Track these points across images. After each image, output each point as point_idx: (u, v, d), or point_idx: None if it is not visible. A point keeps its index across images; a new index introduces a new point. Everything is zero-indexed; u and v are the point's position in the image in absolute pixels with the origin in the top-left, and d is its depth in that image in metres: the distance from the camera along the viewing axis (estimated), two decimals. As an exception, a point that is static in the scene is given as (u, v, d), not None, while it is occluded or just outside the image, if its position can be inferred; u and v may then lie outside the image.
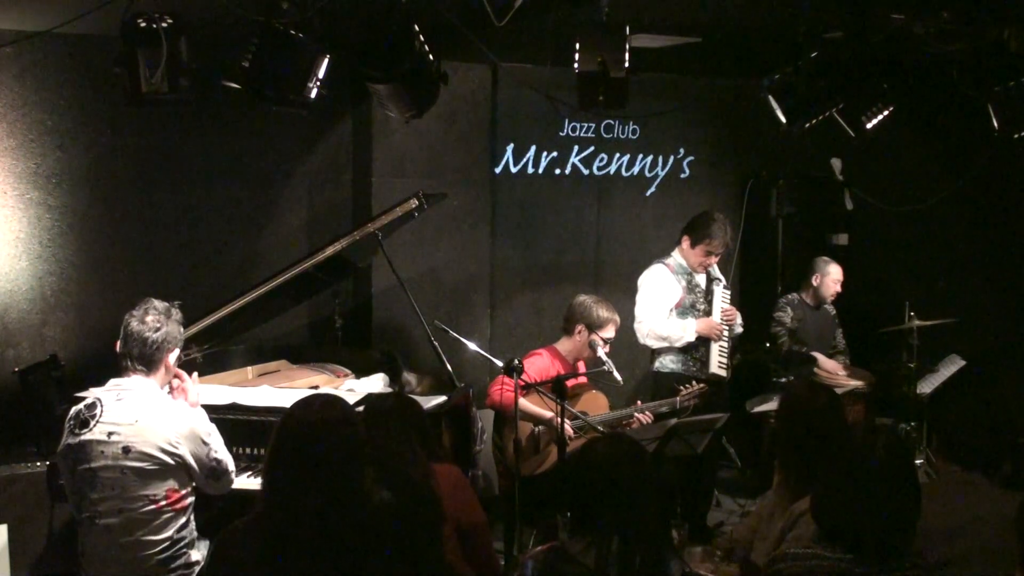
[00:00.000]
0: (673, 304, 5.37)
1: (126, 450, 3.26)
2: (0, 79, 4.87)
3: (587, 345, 4.99)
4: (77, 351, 5.10)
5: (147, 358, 3.38)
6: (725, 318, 5.38)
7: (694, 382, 5.16)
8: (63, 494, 3.47)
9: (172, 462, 3.29)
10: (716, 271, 5.52)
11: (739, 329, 5.59)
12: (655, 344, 5.41)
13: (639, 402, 5.05)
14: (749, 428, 6.19)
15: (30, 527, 4.15)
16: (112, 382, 3.40)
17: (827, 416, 3.21)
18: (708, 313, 5.38)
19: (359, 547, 2.43)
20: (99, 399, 3.34)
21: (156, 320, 3.39)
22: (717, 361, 5.36)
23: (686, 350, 5.37)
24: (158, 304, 3.44)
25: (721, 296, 5.42)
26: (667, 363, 5.42)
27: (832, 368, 6.16)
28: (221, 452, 3.44)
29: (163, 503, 3.29)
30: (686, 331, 5.31)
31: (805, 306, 6.33)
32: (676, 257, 5.45)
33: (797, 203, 6.71)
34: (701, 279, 5.46)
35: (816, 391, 3.37)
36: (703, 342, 5.36)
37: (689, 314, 5.37)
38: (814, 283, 6.30)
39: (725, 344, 5.40)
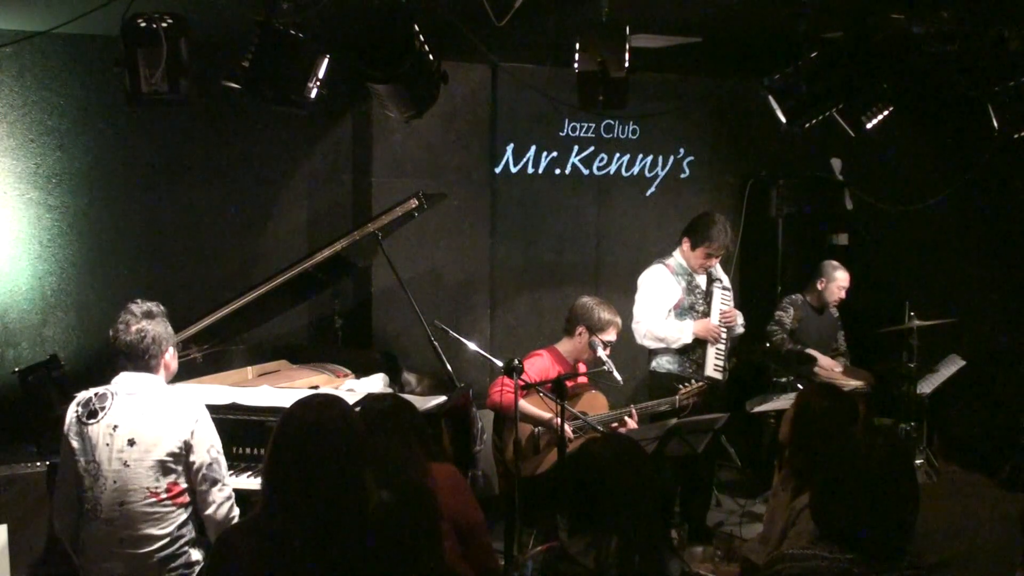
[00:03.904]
0: (672, 305, 5.36)
1: (131, 442, 3.30)
2: (0, 79, 4.87)
3: (587, 346, 4.98)
4: (77, 351, 5.10)
5: (144, 364, 3.43)
6: (724, 321, 5.37)
7: (693, 381, 5.16)
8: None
9: (176, 450, 3.32)
10: (719, 271, 5.51)
11: (740, 330, 5.57)
12: (652, 344, 5.40)
13: (632, 406, 5.03)
14: (749, 428, 6.19)
15: (30, 527, 4.15)
16: (123, 375, 3.44)
17: (841, 422, 3.20)
18: (707, 315, 5.37)
19: (358, 547, 2.43)
20: (111, 392, 3.39)
21: (140, 329, 3.42)
22: (713, 364, 5.35)
23: (683, 351, 5.36)
24: (136, 309, 3.45)
25: (720, 298, 5.41)
26: (663, 363, 5.41)
27: (829, 365, 6.16)
28: (222, 459, 3.44)
29: (164, 496, 3.32)
30: (683, 333, 5.30)
31: (808, 307, 6.32)
32: (677, 258, 5.44)
33: (797, 203, 6.71)
34: (701, 280, 5.45)
35: (831, 397, 3.35)
36: (700, 344, 5.34)
37: (688, 315, 5.36)
38: (819, 287, 6.28)
39: (722, 347, 5.38)
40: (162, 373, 3.49)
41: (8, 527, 4.07)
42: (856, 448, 2.46)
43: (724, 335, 5.38)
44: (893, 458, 2.43)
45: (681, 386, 5.14)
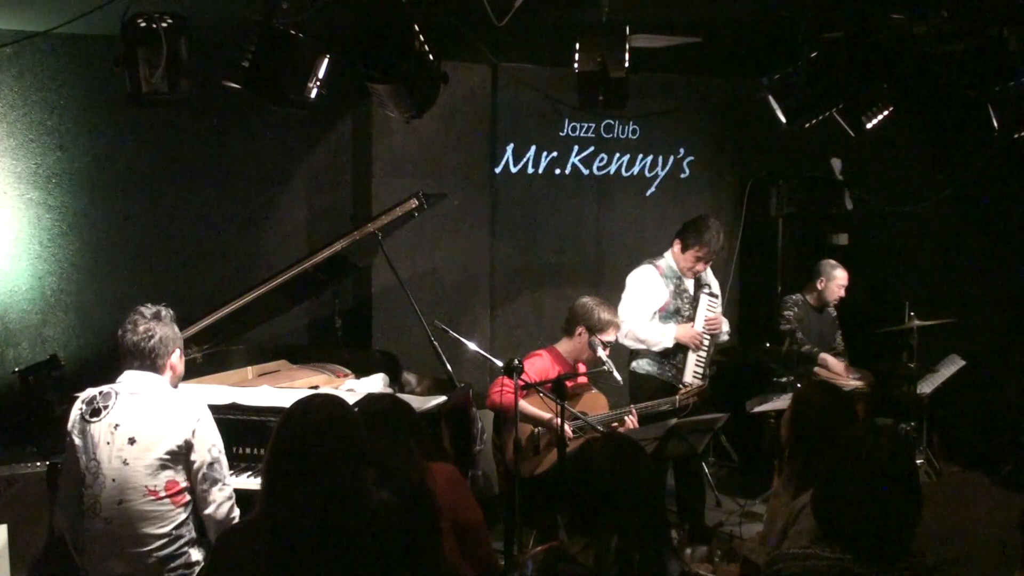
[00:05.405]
0: (658, 308, 5.31)
1: (131, 441, 3.31)
2: (0, 79, 4.87)
3: (587, 346, 4.97)
4: (77, 351, 5.10)
5: (150, 364, 3.45)
6: (708, 328, 5.32)
7: (683, 386, 5.15)
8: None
9: (177, 448, 3.33)
10: (709, 276, 5.47)
11: (724, 338, 5.55)
12: (633, 345, 5.37)
13: (632, 406, 5.03)
14: (749, 428, 6.19)
15: (30, 527, 4.15)
16: (127, 374, 3.45)
17: (840, 419, 3.19)
18: (692, 320, 5.33)
19: (358, 547, 2.44)
20: (115, 391, 3.40)
21: (147, 328, 3.44)
22: (692, 371, 5.31)
23: (664, 355, 5.31)
24: (146, 311, 3.48)
25: (707, 304, 5.35)
26: (643, 365, 5.39)
27: (839, 368, 6.15)
28: (224, 459, 3.45)
29: (163, 494, 3.32)
30: (665, 337, 5.26)
31: (808, 307, 6.32)
32: (667, 259, 5.39)
33: (797, 203, 6.71)
34: (690, 284, 5.39)
35: (828, 394, 3.35)
36: (682, 349, 5.30)
37: (673, 319, 5.31)
38: (819, 286, 6.28)
39: (704, 354, 5.34)
40: (168, 374, 3.50)
41: (8, 527, 4.08)
42: (859, 447, 2.46)
43: (707, 342, 5.35)
44: (896, 458, 2.43)
45: (680, 386, 5.13)
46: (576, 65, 4.16)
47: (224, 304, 4.49)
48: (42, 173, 5.04)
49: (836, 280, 6.26)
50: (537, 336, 6.12)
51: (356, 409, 3.17)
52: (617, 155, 6.58)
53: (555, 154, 6.34)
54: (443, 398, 4.26)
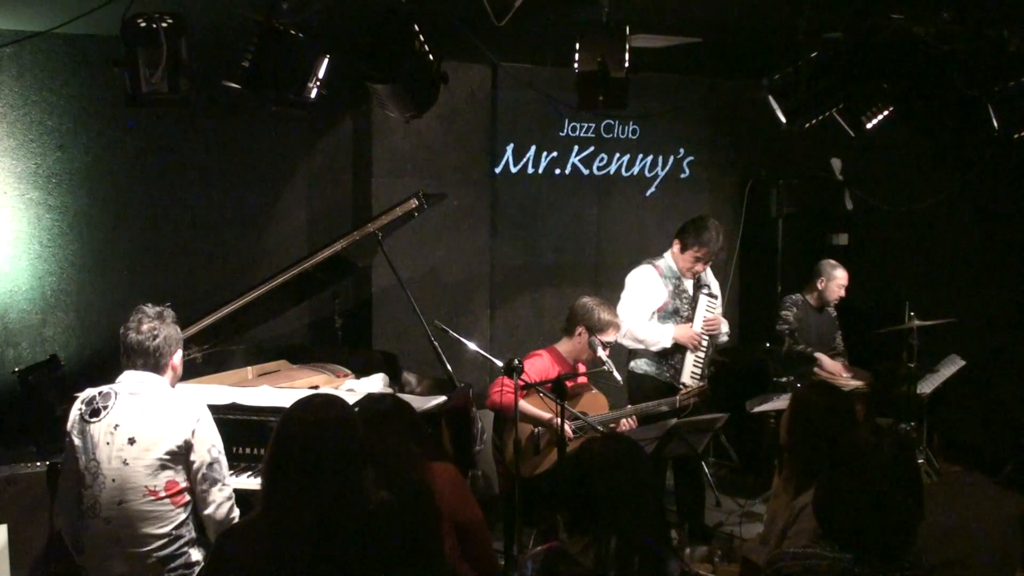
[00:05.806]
0: (657, 307, 5.30)
1: (131, 441, 3.31)
2: (0, 79, 4.87)
3: (587, 346, 4.97)
4: (77, 351, 5.11)
5: (152, 364, 3.44)
6: (706, 328, 5.31)
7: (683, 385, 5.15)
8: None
9: (176, 448, 3.33)
10: (709, 277, 5.46)
11: (724, 339, 5.54)
12: (631, 345, 5.36)
13: (629, 406, 5.02)
14: (749, 428, 6.19)
15: (30, 527, 4.15)
16: (127, 374, 3.44)
17: (839, 419, 3.20)
18: (691, 320, 5.32)
19: (358, 547, 2.44)
20: (115, 391, 3.39)
21: (152, 328, 3.43)
22: (690, 372, 5.30)
23: (662, 355, 5.30)
24: (149, 310, 3.48)
25: (706, 305, 5.34)
26: (641, 364, 5.39)
27: (835, 368, 6.16)
28: (223, 459, 3.45)
29: (163, 494, 3.32)
30: (663, 337, 5.25)
31: (808, 307, 6.32)
32: (667, 259, 5.38)
33: (797, 203, 6.71)
34: (689, 285, 5.38)
35: (826, 394, 3.35)
36: (680, 349, 5.29)
37: (671, 319, 5.30)
38: (819, 286, 6.28)
39: (702, 354, 5.33)
40: (168, 374, 3.50)
41: (8, 527, 4.08)
42: (863, 448, 2.46)
43: (705, 342, 5.34)
44: (899, 459, 2.43)
45: (681, 386, 5.13)
46: (576, 65, 4.16)
47: (224, 304, 4.49)
48: (42, 173, 5.04)
49: (837, 280, 6.26)
50: (537, 336, 6.12)
51: (356, 409, 3.17)
52: (617, 155, 6.58)
53: (555, 154, 6.34)
54: (443, 398, 4.26)
